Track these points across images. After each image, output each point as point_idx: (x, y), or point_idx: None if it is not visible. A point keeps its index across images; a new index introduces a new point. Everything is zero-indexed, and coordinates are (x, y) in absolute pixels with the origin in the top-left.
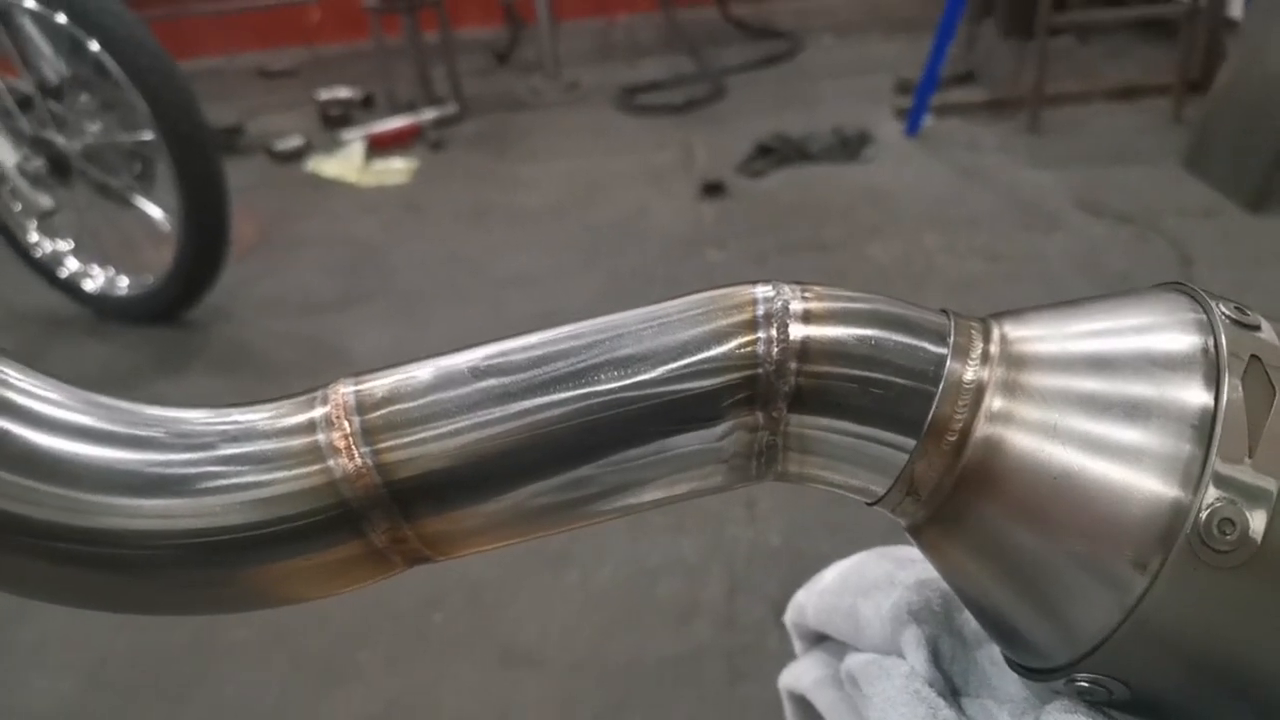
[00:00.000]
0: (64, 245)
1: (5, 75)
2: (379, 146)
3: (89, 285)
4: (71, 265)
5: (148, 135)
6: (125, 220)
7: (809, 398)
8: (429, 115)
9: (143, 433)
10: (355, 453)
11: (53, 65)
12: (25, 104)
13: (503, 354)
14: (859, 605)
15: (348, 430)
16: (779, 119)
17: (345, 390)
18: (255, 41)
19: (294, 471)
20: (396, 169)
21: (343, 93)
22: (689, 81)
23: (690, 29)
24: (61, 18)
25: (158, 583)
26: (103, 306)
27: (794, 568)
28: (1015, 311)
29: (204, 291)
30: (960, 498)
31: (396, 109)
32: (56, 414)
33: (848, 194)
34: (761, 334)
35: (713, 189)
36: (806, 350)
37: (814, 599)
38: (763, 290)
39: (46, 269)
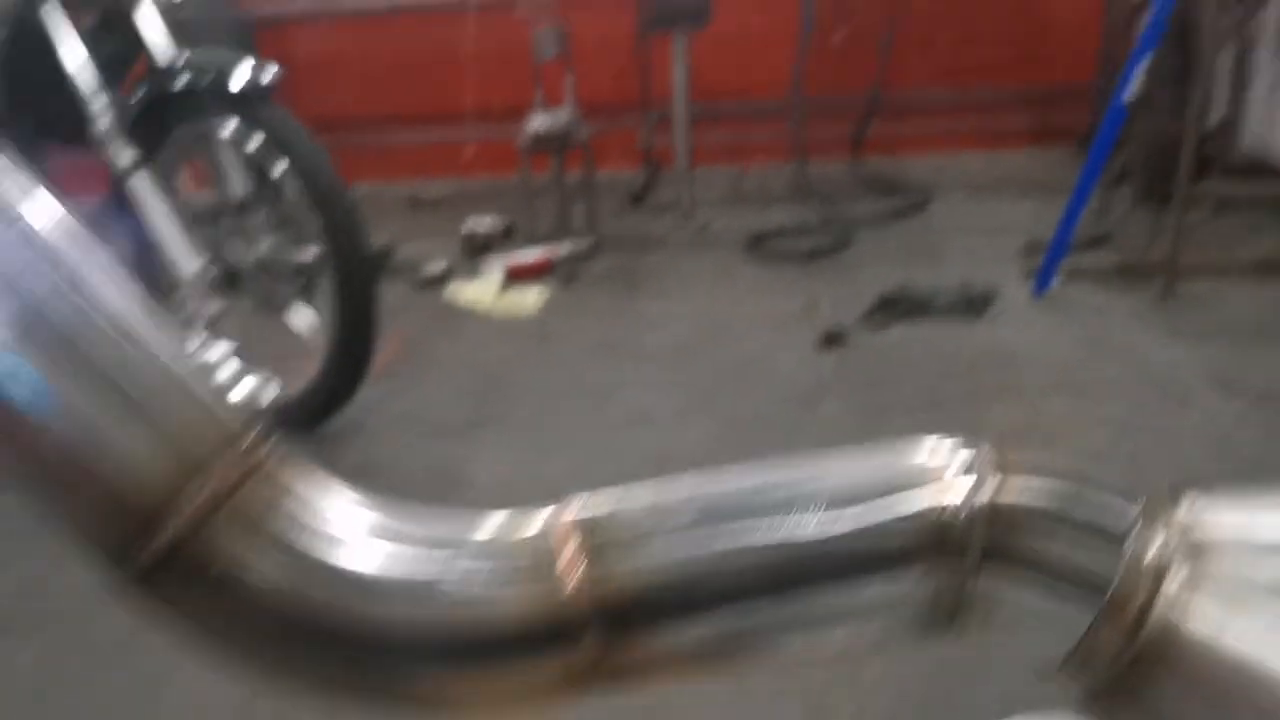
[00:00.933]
0: None
1: (197, 187)
2: (515, 276)
3: None
4: None
5: (315, 254)
6: (278, 330)
7: (996, 557)
8: (564, 249)
9: (393, 546)
10: (575, 573)
11: (240, 181)
12: (210, 215)
13: (712, 489)
14: None
15: (569, 552)
16: (904, 272)
17: (565, 516)
18: (409, 172)
19: (517, 586)
20: (530, 300)
21: (486, 222)
22: (816, 230)
23: (821, 180)
24: (257, 140)
25: (356, 669)
26: None
27: None
28: (1204, 491)
29: (343, 405)
30: (1137, 671)
31: (535, 241)
32: (325, 521)
33: (972, 351)
34: (955, 490)
35: (834, 339)
36: (998, 512)
37: None
38: (955, 445)
39: None
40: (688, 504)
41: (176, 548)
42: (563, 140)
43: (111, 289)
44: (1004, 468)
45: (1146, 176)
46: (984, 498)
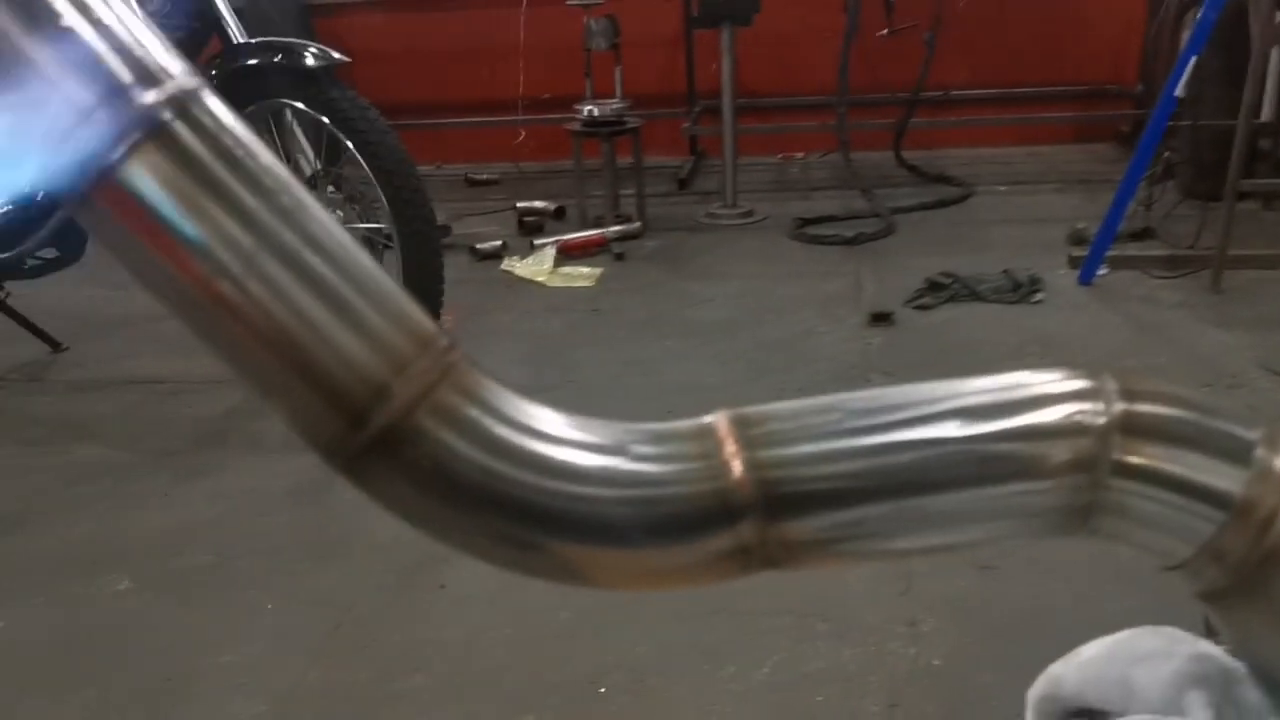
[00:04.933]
0: None
1: None
2: (567, 252)
3: None
4: None
5: (383, 226)
6: None
7: (1130, 466)
8: (614, 229)
9: (574, 435)
10: (740, 462)
11: (309, 159)
12: None
13: (863, 398)
14: (1132, 672)
15: (732, 443)
16: (948, 259)
17: (727, 414)
18: (464, 155)
19: (687, 468)
20: (583, 273)
21: (539, 204)
22: (860, 217)
23: (864, 169)
24: (325, 119)
25: (539, 542)
26: None
27: (955, 691)
28: None
29: None
30: (1264, 571)
31: (585, 223)
32: (513, 413)
33: (1017, 335)
34: (1089, 405)
35: (880, 318)
36: (1130, 423)
37: (1074, 669)
38: (1087, 372)
39: None
40: (835, 408)
41: (387, 435)
42: (613, 126)
43: (326, 223)
44: (1129, 393)
45: (1193, 172)
46: (1115, 414)
